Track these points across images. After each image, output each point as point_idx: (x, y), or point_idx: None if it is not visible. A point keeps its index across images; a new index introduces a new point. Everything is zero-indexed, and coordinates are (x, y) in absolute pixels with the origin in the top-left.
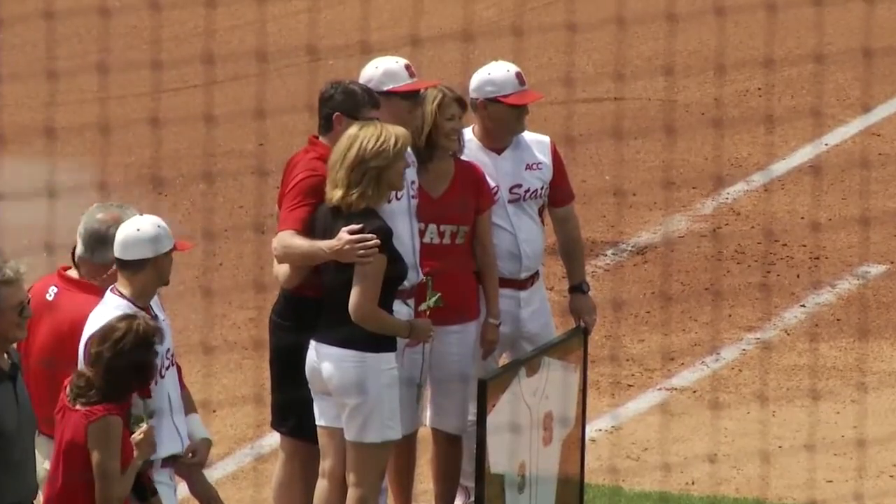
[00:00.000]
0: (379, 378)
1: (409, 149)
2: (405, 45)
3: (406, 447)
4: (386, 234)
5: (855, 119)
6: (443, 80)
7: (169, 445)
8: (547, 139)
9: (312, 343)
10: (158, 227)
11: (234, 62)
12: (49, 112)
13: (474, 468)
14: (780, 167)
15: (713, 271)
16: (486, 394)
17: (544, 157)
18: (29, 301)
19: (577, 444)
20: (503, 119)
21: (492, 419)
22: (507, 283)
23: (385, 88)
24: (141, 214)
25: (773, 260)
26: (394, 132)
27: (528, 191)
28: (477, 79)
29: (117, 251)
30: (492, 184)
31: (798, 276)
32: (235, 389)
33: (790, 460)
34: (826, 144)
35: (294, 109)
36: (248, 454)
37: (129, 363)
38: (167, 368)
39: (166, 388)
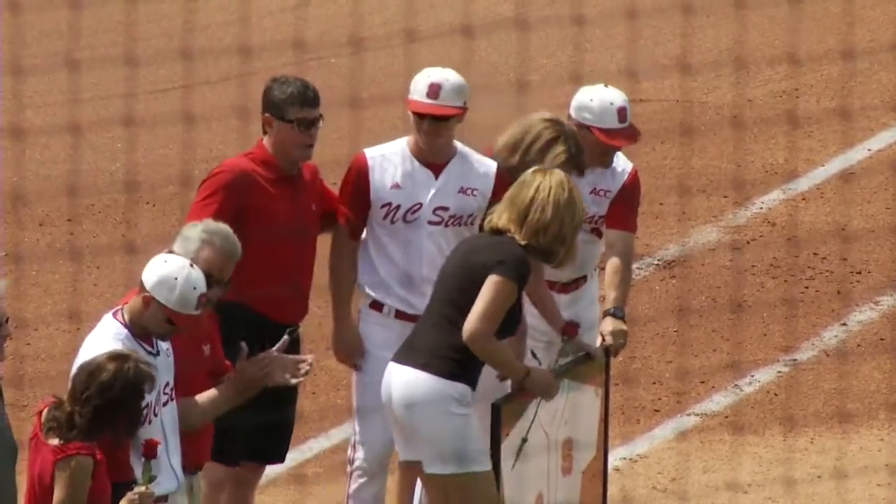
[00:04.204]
0: (447, 406)
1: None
2: (408, 42)
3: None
4: (528, 268)
5: None
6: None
7: (164, 485)
8: (629, 167)
9: (391, 364)
10: (175, 278)
11: (226, 58)
12: (19, 113)
13: None
14: (818, 174)
15: (746, 287)
16: (500, 419)
17: (615, 185)
18: (7, 320)
19: (599, 473)
20: (589, 148)
21: (507, 446)
22: (548, 284)
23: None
24: (192, 266)
25: (811, 274)
26: None
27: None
28: (578, 99)
29: (144, 272)
30: None
31: (838, 292)
32: None
33: (829, 491)
34: (868, 150)
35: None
36: None
37: (115, 408)
38: (164, 405)
39: (162, 426)
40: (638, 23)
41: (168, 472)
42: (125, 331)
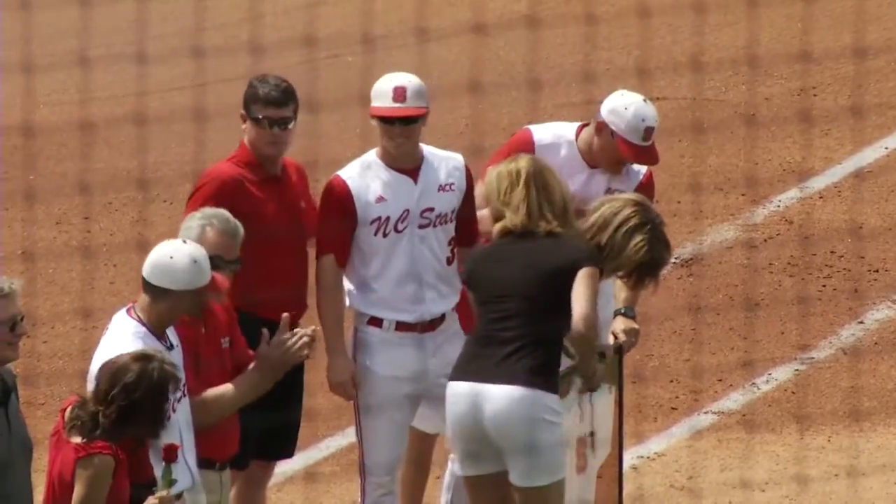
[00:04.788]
0: (551, 418)
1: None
2: (422, 41)
3: (417, 454)
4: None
5: None
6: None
7: (179, 483)
8: (643, 169)
9: (470, 385)
10: (194, 261)
11: (240, 56)
12: (34, 111)
13: None
14: (834, 172)
15: (763, 285)
16: None
17: (630, 185)
18: (23, 318)
19: (615, 470)
20: (606, 149)
21: None
22: None
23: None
24: (185, 242)
25: (827, 272)
26: None
27: None
28: (614, 102)
29: (144, 270)
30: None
31: (855, 290)
32: None
33: (846, 489)
34: (886, 148)
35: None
36: None
37: (139, 408)
38: (179, 401)
39: (178, 423)
40: (653, 21)
41: (183, 469)
42: (143, 328)
